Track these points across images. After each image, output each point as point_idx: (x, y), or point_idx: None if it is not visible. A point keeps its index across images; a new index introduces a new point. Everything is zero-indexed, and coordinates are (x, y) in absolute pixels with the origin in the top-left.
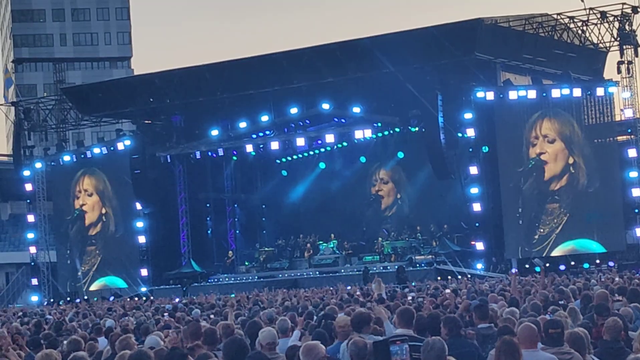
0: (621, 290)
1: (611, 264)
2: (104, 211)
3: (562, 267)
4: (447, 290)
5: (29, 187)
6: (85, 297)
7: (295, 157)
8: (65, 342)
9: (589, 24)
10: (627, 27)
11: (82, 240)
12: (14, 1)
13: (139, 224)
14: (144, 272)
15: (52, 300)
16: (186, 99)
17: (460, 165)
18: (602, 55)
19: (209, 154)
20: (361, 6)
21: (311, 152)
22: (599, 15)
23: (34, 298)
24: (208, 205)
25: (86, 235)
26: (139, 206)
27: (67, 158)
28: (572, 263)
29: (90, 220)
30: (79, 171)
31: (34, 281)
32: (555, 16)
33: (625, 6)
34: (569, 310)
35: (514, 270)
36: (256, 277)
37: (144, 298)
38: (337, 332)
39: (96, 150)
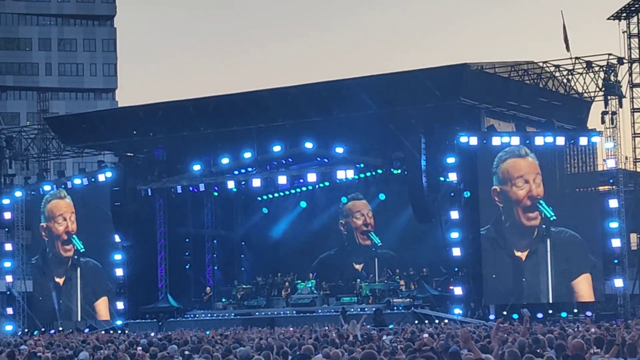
0: (598, 341)
1: (589, 313)
2: (72, 234)
3: (539, 316)
4: (425, 335)
5: (7, 215)
6: (60, 329)
7: (276, 195)
8: None
9: (574, 73)
10: (612, 78)
11: (58, 268)
12: (0, 29)
13: (117, 257)
14: (120, 305)
15: (26, 330)
16: (169, 133)
17: (441, 209)
18: (587, 104)
19: (190, 188)
20: (348, 46)
21: (292, 191)
22: (584, 65)
23: (9, 327)
24: (187, 240)
25: (61, 261)
26: (117, 239)
27: (47, 188)
28: (550, 312)
29: (64, 246)
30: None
31: (9, 310)
32: (541, 64)
33: (611, 57)
34: (546, 359)
35: (491, 317)
36: (233, 315)
37: (119, 331)
38: None
39: (77, 181)
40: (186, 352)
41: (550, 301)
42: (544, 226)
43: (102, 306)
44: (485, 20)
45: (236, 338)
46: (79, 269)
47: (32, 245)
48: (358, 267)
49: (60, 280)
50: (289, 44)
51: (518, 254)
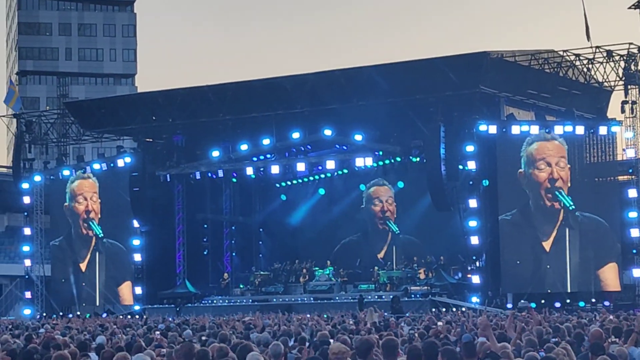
0: (616, 331)
1: (607, 303)
2: (92, 216)
3: (557, 305)
4: (440, 323)
5: (27, 199)
6: (78, 313)
7: (295, 181)
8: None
9: (594, 62)
10: (632, 67)
11: (82, 249)
12: (21, 14)
13: (136, 242)
14: (138, 290)
15: (44, 314)
16: (188, 119)
17: (459, 198)
18: (607, 94)
19: (209, 174)
20: (368, 34)
21: (311, 178)
22: (604, 54)
23: (27, 311)
24: (205, 226)
25: (85, 242)
26: (136, 224)
27: (66, 172)
28: (568, 301)
29: (84, 224)
30: (72, 178)
31: (28, 294)
32: (561, 53)
33: (631, 46)
34: (562, 347)
35: (509, 306)
36: (250, 301)
37: (137, 316)
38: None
39: (96, 166)
40: (203, 338)
41: (569, 290)
42: (572, 212)
43: (125, 290)
44: (506, 9)
45: (248, 323)
46: (97, 254)
47: (51, 230)
48: (380, 255)
49: (83, 265)
50: (307, 30)
51: (544, 243)
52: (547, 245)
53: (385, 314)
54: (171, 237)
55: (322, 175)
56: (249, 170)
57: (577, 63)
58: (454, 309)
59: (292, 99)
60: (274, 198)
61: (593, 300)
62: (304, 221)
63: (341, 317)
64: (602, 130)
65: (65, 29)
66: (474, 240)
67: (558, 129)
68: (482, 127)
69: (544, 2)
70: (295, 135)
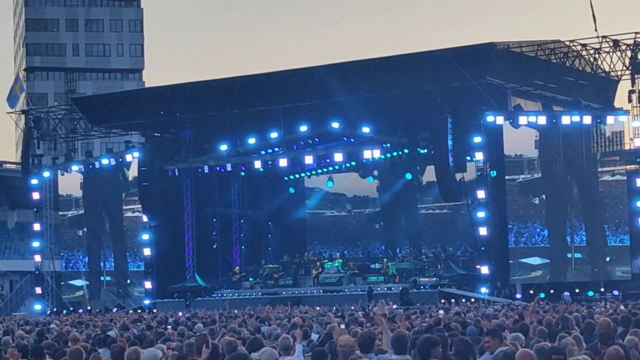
0: (625, 320)
1: (616, 292)
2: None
3: (566, 294)
4: (441, 312)
5: (36, 195)
6: (89, 308)
7: (303, 174)
8: (67, 351)
9: (601, 52)
10: (639, 57)
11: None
12: (28, 10)
13: (145, 237)
14: (148, 284)
15: (55, 309)
16: (196, 113)
17: (467, 189)
18: (614, 83)
19: (217, 168)
20: (375, 27)
21: (319, 171)
22: (611, 44)
23: (37, 307)
24: (214, 220)
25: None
26: (145, 218)
27: (75, 168)
28: (577, 290)
29: None
30: None
31: (38, 290)
32: (567, 43)
33: (638, 35)
34: (573, 337)
35: (518, 296)
36: (260, 294)
37: (147, 310)
38: (338, 352)
39: (104, 161)
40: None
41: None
42: None
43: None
44: None
45: (263, 317)
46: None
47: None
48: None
49: None
50: (315, 25)
51: None
52: None
53: (395, 306)
54: (180, 231)
55: (330, 168)
56: (257, 164)
57: (584, 53)
58: (463, 300)
59: (299, 92)
60: (282, 191)
61: (602, 289)
62: (312, 214)
63: (350, 309)
64: (610, 119)
65: (72, 25)
66: (483, 231)
67: (565, 119)
68: (490, 118)
69: None
70: (303, 128)
